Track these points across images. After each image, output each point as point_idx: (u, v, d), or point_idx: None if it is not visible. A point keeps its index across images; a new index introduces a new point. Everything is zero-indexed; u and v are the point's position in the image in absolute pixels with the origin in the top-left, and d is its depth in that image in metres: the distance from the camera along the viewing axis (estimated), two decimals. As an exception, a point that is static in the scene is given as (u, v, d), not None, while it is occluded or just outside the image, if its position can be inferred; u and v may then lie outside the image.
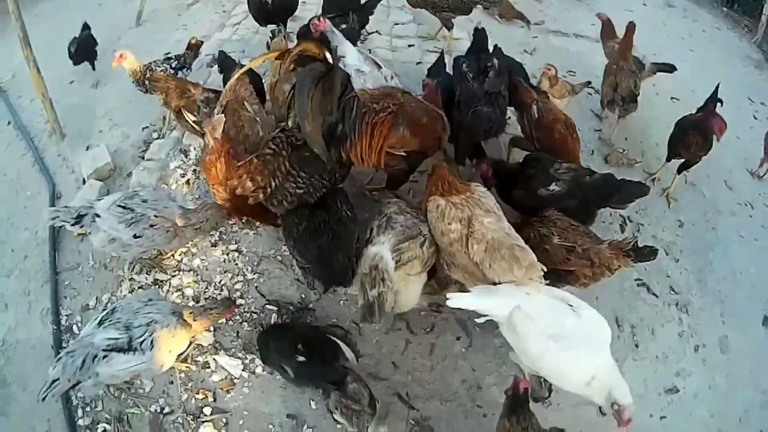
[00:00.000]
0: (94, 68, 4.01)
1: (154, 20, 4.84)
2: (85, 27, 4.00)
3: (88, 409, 2.40)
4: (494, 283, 2.05)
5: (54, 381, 1.95)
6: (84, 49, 3.94)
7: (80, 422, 2.38)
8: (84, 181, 3.20)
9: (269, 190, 2.19)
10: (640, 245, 2.18)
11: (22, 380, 2.64)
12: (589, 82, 3.73)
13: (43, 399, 2.15)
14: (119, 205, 2.34)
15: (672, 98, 4.20)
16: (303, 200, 2.22)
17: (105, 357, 1.94)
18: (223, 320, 2.39)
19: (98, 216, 2.35)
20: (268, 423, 2.22)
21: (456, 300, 1.95)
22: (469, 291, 2.01)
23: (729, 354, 2.89)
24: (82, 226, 2.38)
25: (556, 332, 1.92)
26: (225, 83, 2.98)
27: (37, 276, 2.92)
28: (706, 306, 2.97)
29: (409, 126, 2.38)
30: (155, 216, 2.31)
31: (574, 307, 1.98)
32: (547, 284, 2.04)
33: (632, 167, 3.45)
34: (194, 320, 2.09)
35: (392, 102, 2.40)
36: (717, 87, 3.35)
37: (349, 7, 3.50)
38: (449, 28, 3.87)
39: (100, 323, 2.01)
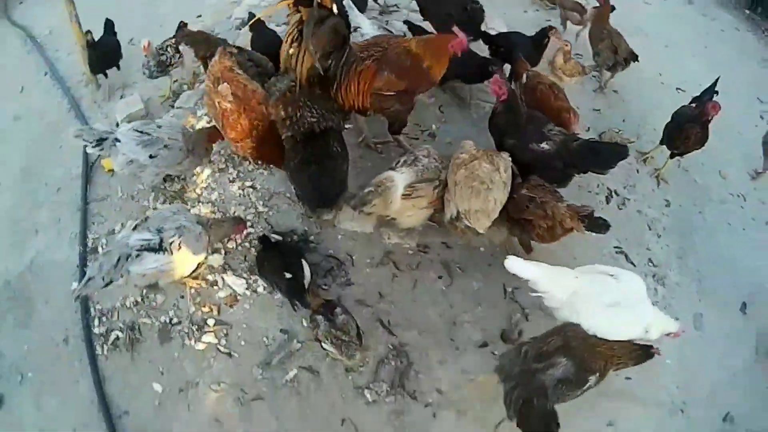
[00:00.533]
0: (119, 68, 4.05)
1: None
2: (108, 26, 4.01)
3: (104, 319, 2.82)
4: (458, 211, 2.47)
5: (89, 279, 2.35)
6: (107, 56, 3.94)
7: (96, 330, 2.79)
8: (117, 125, 3.61)
9: (294, 118, 2.63)
10: (597, 216, 2.50)
11: (46, 296, 3.06)
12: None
13: (77, 298, 2.58)
14: (136, 130, 2.77)
15: (677, 89, 4.43)
16: (313, 128, 2.63)
17: (137, 256, 2.34)
18: (234, 241, 2.80)
19: (118, 140, 2.76)
20: (263, 335, 2.61)
21: (516, 265, 2.30)
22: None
23: (702, 332, 3.14)
24: (103, 149, 2.78)
25: (612, 301, 2.33)
26: (253, 45, 3.39)
27: (68, 207, 3.35)
28: (683, 283, 3.23)
29: (393, 70, 2.74)
30: (168, 138, 2.74)
31: (613, 275, 2.38)
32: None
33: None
34: (211, 228, 2.47)
35: (376, 50, 2.76)
36: (716, 80, 3.62)
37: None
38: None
39: (135, 228, 2.42)
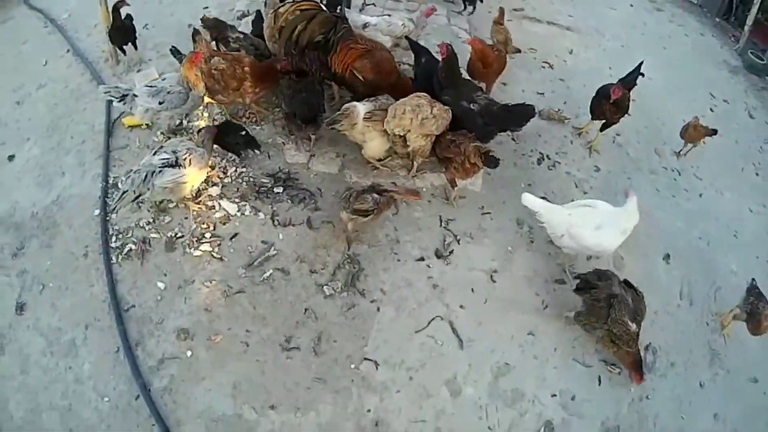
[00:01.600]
0: (136, 48, 5.01)
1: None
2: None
3: (120, 236, 3.70)
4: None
5: (123, 192, 3.33)
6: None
7: (113, 245, 3.67)
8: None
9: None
10: (492, 155, 3.53)
11: (69, 220, 3.92)
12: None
13: (113, 210, 3.56)
14: (146, 85, 3.87)
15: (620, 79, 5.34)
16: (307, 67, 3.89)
17: (160, 171, 3.33)
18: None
19: (135, 96, 3.83)
20: (247, 245, 3.55)
21: (528, 199, 3.41)
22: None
23: (622, 271, 3.95)
24: (125, 103, 3.87)
25: (597, 223, 3.40)
26: (252, 30, 4.45)
27: (91, 154, 4.29)
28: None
29: (370, 63, 3.83)
30: (170, 86, 3.83)
31: (590, 205, 3.49)
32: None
33: (563, 123, 4.63)
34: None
35: (370, 45, 3.86)
36: (640, 64, 4.58)
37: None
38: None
39: (155, 153, 3.41)
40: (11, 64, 5.47)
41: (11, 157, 4.44)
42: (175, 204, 3.73)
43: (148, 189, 3.31)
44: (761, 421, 3.64)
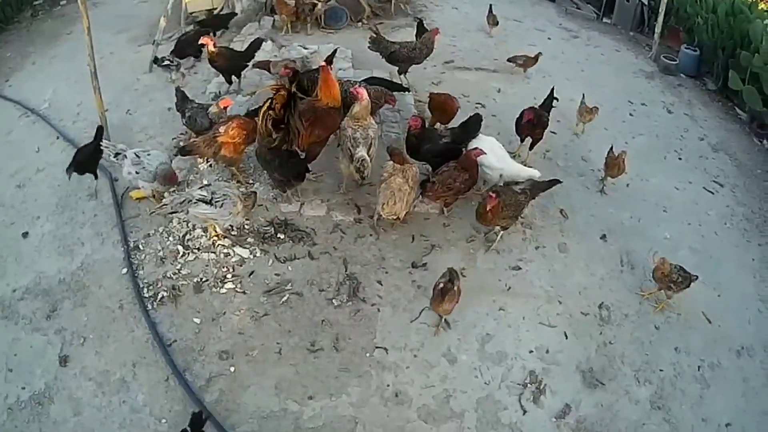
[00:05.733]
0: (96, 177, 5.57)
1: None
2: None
3: (150, 287, 4.74)
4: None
5: (163, 205, 4.62)
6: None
7: (145, 294, 4.70)
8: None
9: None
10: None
11: (98, 281, 4.86)
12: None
13: (151, 213, 4.84)
14: (135, 153, 5.12)
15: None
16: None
17: (195, 202, 4.55)
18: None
19: (125, 157, 5.11)
20: (264, 279, 4.73)
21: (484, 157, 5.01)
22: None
23: (567, 253, 5.36)
24: (117, 160, 5.20)
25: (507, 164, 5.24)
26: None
27: (106, 225, 5.32)
28: (547, 225, 5.54)
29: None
30: (148, 163, 5.09)
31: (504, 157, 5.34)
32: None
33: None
34: (243, 200, 4.68)
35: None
36: (552, 89, 6.12)
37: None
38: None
39: (200, 188, 4.69)
40: (3, 152, 6.47)
41: (25, 234, 5.38)
42: (198, 247, 4.88)
43: (183, 211, 4.58)
44: (721, 349, 4.81)
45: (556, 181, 5.25)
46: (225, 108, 5.44)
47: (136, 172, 5.05)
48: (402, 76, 6.77)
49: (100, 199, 5.57)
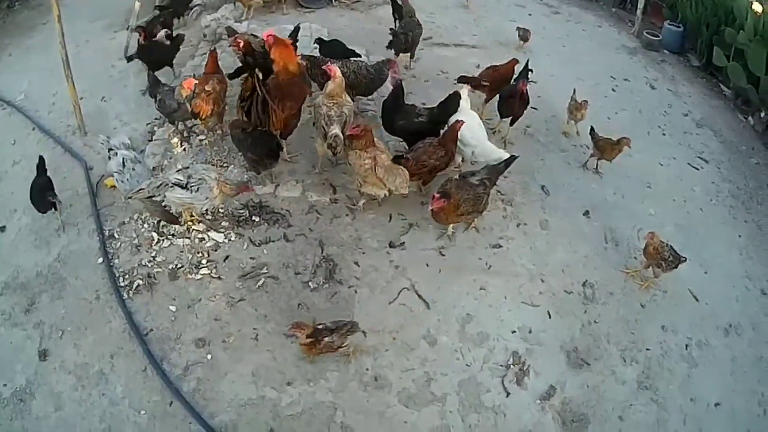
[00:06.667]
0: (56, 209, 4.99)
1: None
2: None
3: (126, 276, 4.56)
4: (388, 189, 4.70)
5: (140, 189, 4.36)
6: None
7: (121, 284, 4.52)
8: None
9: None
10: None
11: (75, 272, 4.68)
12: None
13: (129, 198, 4.54)
14: (125, 153, 4.78)
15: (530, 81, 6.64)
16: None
17: (171, 186, 4.35)
18: (235, 196, 4.72)
19: (116, 155, 4.76)
20: (239, 264, 4.55)
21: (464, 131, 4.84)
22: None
23: (549, 230, 5.19)
24: (109, 157, 4.83)
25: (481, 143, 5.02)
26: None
27: (82, 215, 5.11)
28: (528, 202, 5.36)
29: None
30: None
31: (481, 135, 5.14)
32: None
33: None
34: (223, 185, 4.42)
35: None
36: (526, 63, 5.94)
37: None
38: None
39: (178, 171, 4.45)
40: (-21, 147, 6.24)
41: (2, 228, 5.21)
42: (173, 233, 4.71)
43: (159, 195, 4.36)
44: (709, 327, 4.73)
45: (513, 158, 4.93)
46: (190, 89, 5.19)
47: (117, 172, 4.72)
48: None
49: (75, 189, 5.38)
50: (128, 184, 4.58)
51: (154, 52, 6.35)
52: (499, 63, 6.15)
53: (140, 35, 6.22)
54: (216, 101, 5.18)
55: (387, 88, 5.55)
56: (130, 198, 4.59)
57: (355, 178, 4.82)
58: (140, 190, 4.41)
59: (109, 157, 4.81)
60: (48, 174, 5.03)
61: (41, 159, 5.07)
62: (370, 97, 5.98)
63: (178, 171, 4.50)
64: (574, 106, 6.07)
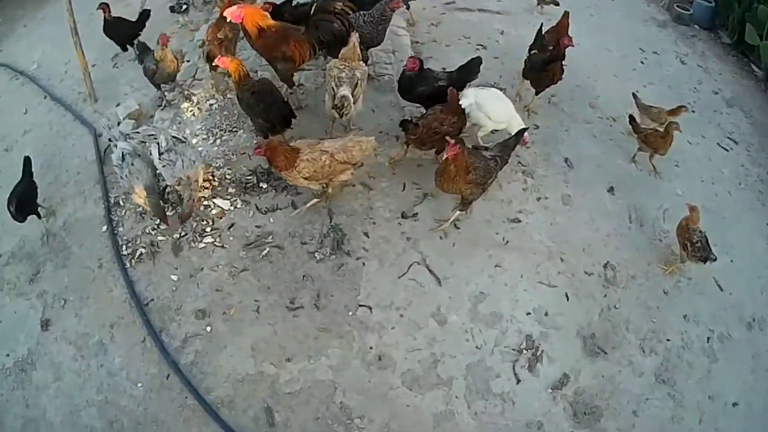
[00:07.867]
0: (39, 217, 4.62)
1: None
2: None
3: (129, 244, 4.32)
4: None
5: (136, 132, 4.30)
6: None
7: (124, 252, 4.29)
8: (119, 123, 5.21)
9: None
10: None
11: (79, 241, 4.51)
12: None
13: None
14: (125, 142, 4.32)
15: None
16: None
17: (156, 143, 4.09)
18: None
19: (116, 146, 4.34)
20: (244, 232, 4.23)
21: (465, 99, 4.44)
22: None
23: (571, 206, 4.73)
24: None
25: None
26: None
27: (89, 182, 4.90)
28: (550, 174, 4.89)
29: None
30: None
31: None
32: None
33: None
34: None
35: None
36: (540, 28, 5.41)
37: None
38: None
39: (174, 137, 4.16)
40: (-8, 117, 6.08)
41: (11, 198, 5.03)
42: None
43: (146, 143, 4.23)
44: (732, 319, 4.32)
45: (523, 130, 4.43)
46: (165, 44, 4.89)
47: (114, 165, 4.29)
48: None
49: (84, 155, 5.14)
50: (126, 181, 4.24)
51: (119, 27, 6.02)
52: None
53: (104, 11, 5.80)
54: (228, 48, 4.93)
55: (405, 50, 5.12)
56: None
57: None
58: (136, 132, 4.25)
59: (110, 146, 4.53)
60: (34, 179, 4.65)
61: (27, 160, 4.67)
62: (387, 61, 5.55)
63: (174, 136, 4.20)
64: (656, 114, 5.32)
